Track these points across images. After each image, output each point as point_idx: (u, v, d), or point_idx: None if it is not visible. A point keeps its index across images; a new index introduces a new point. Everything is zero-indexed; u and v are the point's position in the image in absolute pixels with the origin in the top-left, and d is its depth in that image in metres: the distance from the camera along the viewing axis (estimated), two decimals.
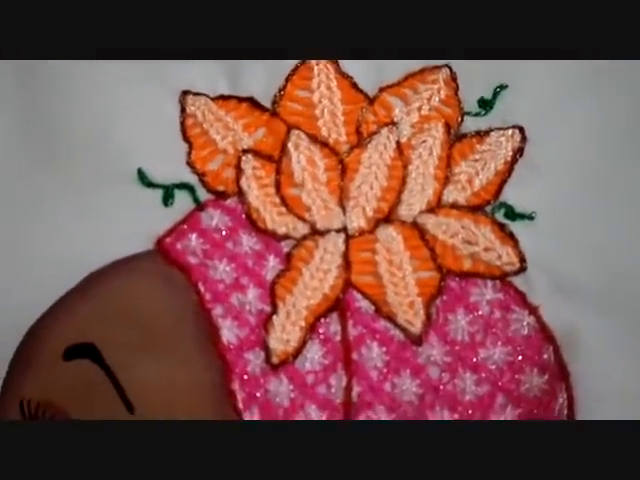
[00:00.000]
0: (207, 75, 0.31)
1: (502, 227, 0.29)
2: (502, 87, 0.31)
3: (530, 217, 0.29)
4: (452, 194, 0.29)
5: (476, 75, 0.31)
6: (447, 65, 0.32)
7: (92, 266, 0.28)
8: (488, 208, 0.29)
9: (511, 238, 0.28)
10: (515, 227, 0.29)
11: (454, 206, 0.29)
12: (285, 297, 0.28)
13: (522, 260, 0.28)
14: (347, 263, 0.28)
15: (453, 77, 0.31)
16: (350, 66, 0.32)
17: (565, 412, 0.26)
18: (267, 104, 0.31)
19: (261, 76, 0.31)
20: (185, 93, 0.31)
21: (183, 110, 0.31)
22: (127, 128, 0.30)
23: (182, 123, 0.30)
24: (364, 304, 0.27)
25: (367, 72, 0.32)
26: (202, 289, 0.27)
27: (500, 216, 0.29)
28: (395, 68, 0.32)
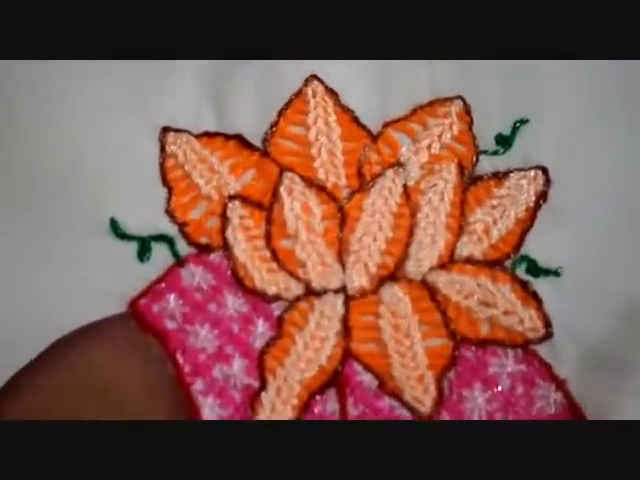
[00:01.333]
0: (191, 109, 0.28)
1: (524, 285, 0.25)
2: (522, 121, 0.28)
3: (556, 273, 0.26)
4: (467, 247, 0.26)
5: (493, 107, 0.28)
6: (460, 96, 0.29)
7: (58, 325, 0.25)
8: (508, 263, 0.26)
9: (534, 299, 0.25)
10: (539, 285, 0.26)
11: (469, 261, 0.26)
12: (276, 370, 0.24)
13: (547, 325, 0.25)
14: (347, 329, 0.25)
15: (467, 110, 0.28)
16: (351, 98, 0.29)
17: None
18: (257, 142, 0.28)
19: (251, 110, 0.28)
20: (166, 130, 0.28)
21: (163, 149, 0.28)
22: (101, 169, 0.27)
23: (162, 164, 0.27)
24: (366, 378, 0.24)
25: (370, 105, 0.28)
26: (180, 360, 0.24)
27: (522, 272, 0.26)
28: (402, 100, 0.28)
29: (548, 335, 0.25)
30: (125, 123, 0.28)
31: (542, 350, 0.25)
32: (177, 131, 0.28)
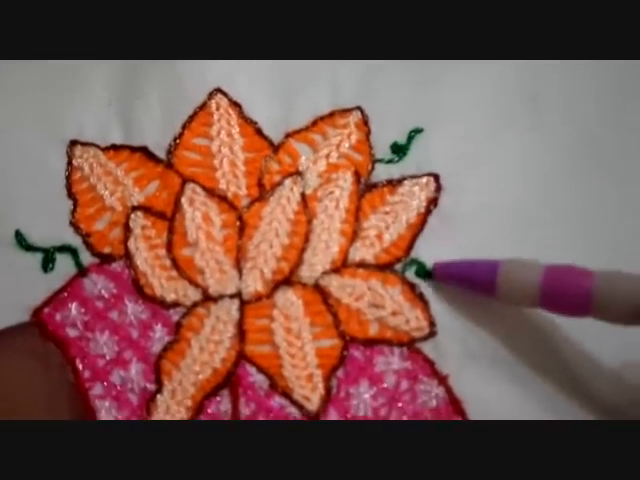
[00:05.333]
0: (99, 122, 0.29)
1: (412, 287, 0.26)
2: (417, 131, 0.29)
3: None
4: (360, 251, 0.27)
5: (390, 117, 0.30)
6: (359, 107, 0.30)
7: None
8: (399, 266, 0.27)
9: (421, 300, 0.26)
10: (426, 287, 0.27)
11: (361, 265, 0.27)
12: (171, 373, 0.25)
13: (432, 324, 0.26)
14: (241, 332, 0.26)
15: (365, 120, 0.29)
16: (255, 110, 0.30)
17: None
18: (162, 154, 0.29)
19: (157, 123, 0.29)
20: (73, 143, 0.29)
21: (70, 162, 0.29)
22: (6, 181, 0.28)
23: (67, 177, 0.28)
24: (258, 379, 0.25)
25: (273, 116, 0.29)
26: (80, 366, 0.25)
27: (411, 274, 0.27)
28: (303, 111, 0.30)
29: (432, 334, 0.26)
30: (31, 135, 0.29)
31: (426, 348, 0.25)
32: (84, 144, 0.29)
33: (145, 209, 0.27)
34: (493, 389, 0.25)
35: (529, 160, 0.29)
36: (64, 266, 0.27)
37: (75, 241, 0.27)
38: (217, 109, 0.29)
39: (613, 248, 0.27)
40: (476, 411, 0.25)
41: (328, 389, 0.25)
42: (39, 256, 0.27)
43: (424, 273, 0.27)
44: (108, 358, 0.25)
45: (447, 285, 0.26)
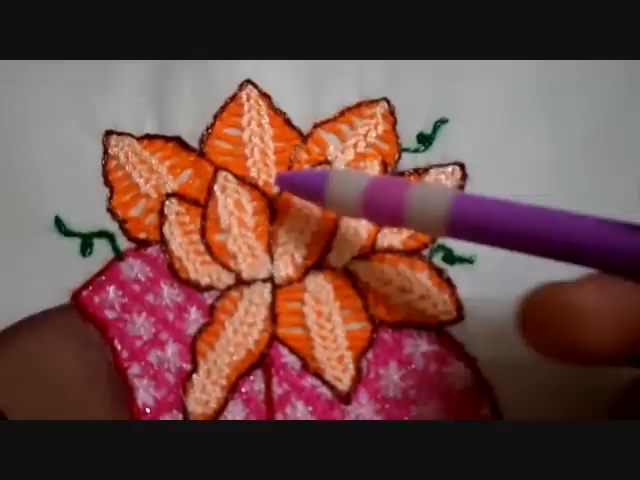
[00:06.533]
0: (133, 112, 0.30)
1: (440, 273, 0.27)
2: (442, 121, 0.30)
3: (469, 261, 0.27)
4: (387, 238, 0.28)
5: (416, 108, 0.30)
6: (385, 98, 0.30)
7: (3, 320, 0.26)
8: (426, 252, 0.28)
9: (449, 284, 0.27)
10: (454, 272, 0.28)
11: (389, 251, 0.28)
12: (206, 353, 0.26)
13: (459, 308, 0.26)
14: (273, 315, 0.27)
15: (391, 111, 0.30)
16: (284, 101, 0.31)
17: None
18: (195, 144, 0.30)
19: (189, 113, 0.30)
20: (109, 133, 0.30)
21: (105, 152, 0.29)
22: (45, 172, 0.29)
23: (104, 166, 0.29)
24: (290, 360, 0.26)
25: (302, 107, 0.30)
26: (118, 347, 0.26)
27: (438, 260, 0.28)
28: (331, 102, 0.30)
29: (460, 317, 0.26)
30: (68, 127, 0.30)
31: (454, 331, 0.26)
32: (119, 134, 0.30)
33: (179, 196, 0.28)
34: (521, 372, 0.25)
35: (548, 152, 0.29)
36: (102, 251, 0.28)
37: (112, 227, 0.28)
38: (247, 100, 0.30)
39: None
40: (504, 393, 0.25)
41: (358, 370, 0.26)
42: (77, 241, 0.28)
43: (451, 259, 0.28)
44: (145, 339, 0.26)
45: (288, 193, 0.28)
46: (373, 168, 0.29)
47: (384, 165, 0.29)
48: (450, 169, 0.29)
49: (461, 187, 0.29)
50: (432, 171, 0.29)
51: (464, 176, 0.29)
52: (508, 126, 0.30)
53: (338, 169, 0.27)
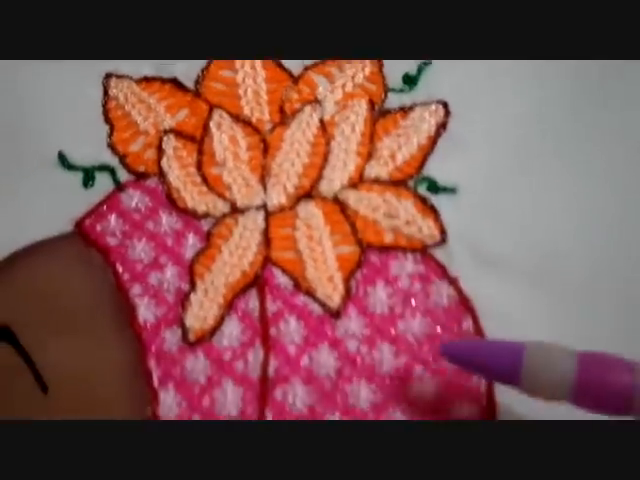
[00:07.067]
0: (132, 59, 0.31)
1: (424, 200, 0.29)
2: (426, 63, 0.31)
3: (452, 190, 0.29)
4: (374, 169, 0.29)
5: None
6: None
7: (12, 248, 0.28)
8: (411, 182, 0.29)
9: (432, 211, 0.28)
10: (437, 200, 0.29)
11: (376, 181, 0.29)
12: (204, 275, 0.27)
13: (443, 232, 0.28)
14: (267, 240, 0.28)
15: None
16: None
17: (483, 383, 0.26)
18: (190, 85, 0.31)
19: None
20: (108, 76, 0.31)
21: (106, 93, 0.31)
22: (48, 111, 0.30)
23: (104, 106, 0.31)
24: (283, 280, 0.27)
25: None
26: (120, 269, 0.27)
27: (423, 190, 0.29)
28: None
29: (443, 241, 0.28)
30: (73, 72, 0.31)
31: (438, 254, 0.28)
32: (119, 76, 0.31)
33: (176, 132, 0.30)
34: (501, 288, 0.27)
35: (531, 90, 0.31)
36: (103, 183, 0.29)
37: (112, 161, 0.29)
38: None
39: (612, 182, 0.29)
40: (485, 309, 0.27)
41: (348, 289, 0.27)
42: (80, 175, 0.29)
43: (435, 188, 0.29)
44: (145, 262, 0.27)
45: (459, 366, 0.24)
46: (361, 106, 0.31)
47: (371, 104, 0.31)
48: (434, 107, 0.31)
49: (444, 124, 0.30)
50: (417, 108, 0.31)
51: (447, 113, 0.31)
52: (490, 66, 0.31)
53: (533, 343, 0.22)
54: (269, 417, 0.25)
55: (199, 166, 0.29)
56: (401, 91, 0.31)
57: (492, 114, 0.30)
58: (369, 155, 0.30)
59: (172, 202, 0.28)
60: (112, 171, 0.29)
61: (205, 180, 0.29)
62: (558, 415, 0.23)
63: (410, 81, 0.31)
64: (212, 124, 0.30)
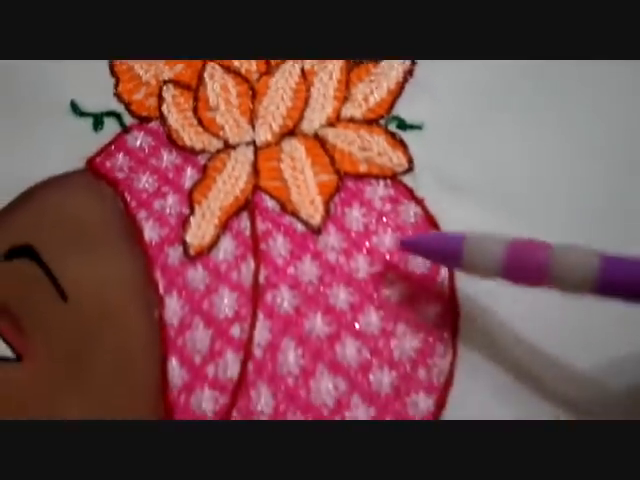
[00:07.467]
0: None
1: (393, 135, 0.33)
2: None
3: (419, 127, 0.33)
4: (350, 110, 0.33)
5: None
6: None
7: (31, 183, 0.32)
8: (382, 121, 0.33)
9: (401, 144, 0.32)
10: (405, 136, 0.33)
11: (352, 120, 0.33)
12: (201, 201, 0.31)
13: (410, 162, 0.32)
14: (256, 171, 0.32)
15: None
16: None
17: (447, 288, 0.29)
18: None
19: None
20: None
21: None
22: (63, 64, 0.34)
23: (110, 62, 0.35)
24: (271, 204, 0.31)
25: None
26: (128, 198, 0.31)
27: (393, 127, 0.33)
28: None
29: (410, 168, 0.32)
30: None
31: (406, 179, 0.32)
32: None
33: (174, 82, 0.34)
34: (462, 208, 0.31)
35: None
36: (111, 127, 0.33)
37: (119, 108, 0.33)
38: None
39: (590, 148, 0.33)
40: (448, 227, 0.31)
41: (327, 210, 0.31)
42: (90, 120, 0.33)
43: (404, 126, 0.33)
44: (150, 192, 0.31)
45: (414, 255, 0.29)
46: None
47: None
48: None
49: (411, 71, 0.34)
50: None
51: (414, 62, 0.34)
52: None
53: (472, 234, 0.27)
54: (261, 317, 0.29)
55: (195, 110, 0.33)
56: None
57: (456, 63, 0.35)
58: (345, 99, 0.34)
59: (172, 141, 0.32)
60: (119, 116, 0.33)
61: (201, 122, 0.33)
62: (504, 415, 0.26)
63: None
64: (206, 75, 0.34)
